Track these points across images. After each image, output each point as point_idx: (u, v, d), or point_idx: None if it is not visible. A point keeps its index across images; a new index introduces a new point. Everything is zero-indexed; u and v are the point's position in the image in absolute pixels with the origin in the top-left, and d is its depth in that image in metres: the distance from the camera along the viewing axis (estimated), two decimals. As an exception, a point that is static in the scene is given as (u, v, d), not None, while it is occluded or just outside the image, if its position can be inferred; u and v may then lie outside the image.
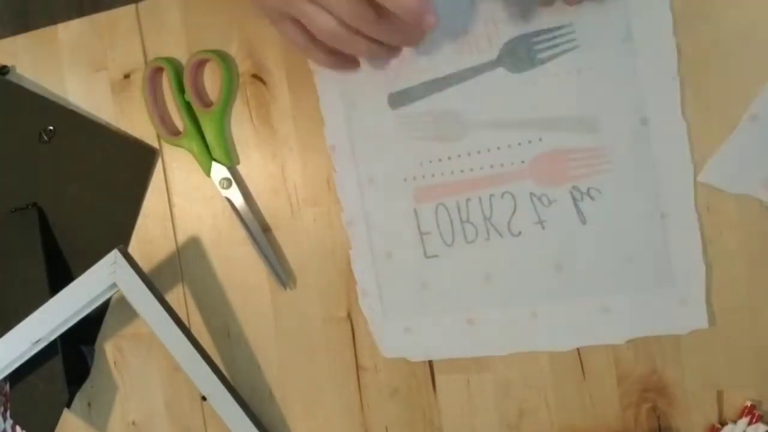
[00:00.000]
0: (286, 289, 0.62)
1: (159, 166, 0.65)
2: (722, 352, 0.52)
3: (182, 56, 0.63)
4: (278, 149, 0.61)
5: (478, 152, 0.55)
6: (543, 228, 0.54)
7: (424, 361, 0.59)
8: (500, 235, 0.56)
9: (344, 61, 0.56)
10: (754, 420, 0.51)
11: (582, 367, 0.55)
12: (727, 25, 0.50)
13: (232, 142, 0.63)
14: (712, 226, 0.51)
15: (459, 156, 0.56)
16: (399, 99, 0.57)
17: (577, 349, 0.55)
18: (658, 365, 0.53)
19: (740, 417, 0.51)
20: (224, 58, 0.61)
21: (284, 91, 0.61)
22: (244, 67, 0.62)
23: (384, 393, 0.60)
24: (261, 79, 0.61)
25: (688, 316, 0.52)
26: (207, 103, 0.63)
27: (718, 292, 0.51)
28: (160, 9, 0.64)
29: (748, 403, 0.51)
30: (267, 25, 0.61)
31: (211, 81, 0.63)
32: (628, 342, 0.54)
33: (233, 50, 0.62)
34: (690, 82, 0.50)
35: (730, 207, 0.51)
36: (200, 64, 0.63)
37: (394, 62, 0.56)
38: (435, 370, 0.59)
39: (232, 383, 0.62)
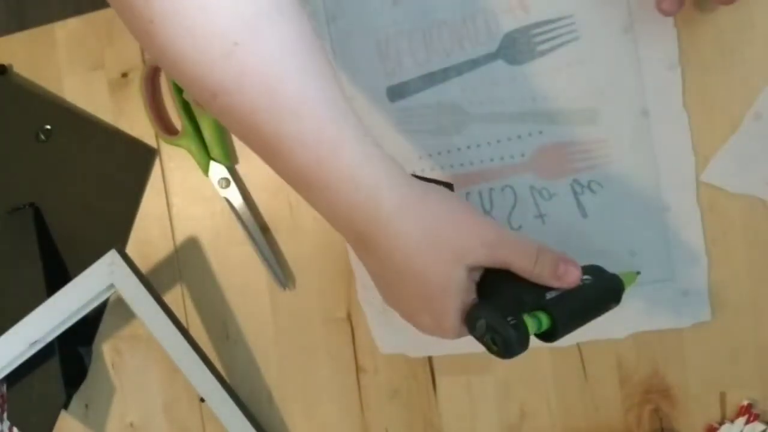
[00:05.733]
0: (285, 289, 0.62)
1: (157, 165, 0.65)
2: (725, 353, 0.51)
3: (181, 55, 0.63)
4: (277, 149, 0.61)
5: (478, 145, 0.55)
6: (543, 222, 0.54)
7: (424, 363, 0.58)
8: (500, 229, 0.55)
9: None
10: (751, 419, 0.50)
11: (584, 369, 0.55)
12: (729, 21, 0.49)
13: (231, 141, 0.63)
14: (714, 226, 0.51)
15: (458, 149, 0.56)
16: (398, 92, 0.57)
17: (579, 350, 0.55)
18: (661, 367, 0.53)
19: (738, 416, 0.51)
20: (223, 57, 0.61)
21: (283, 90, 0.60)
22: (242, 65, 0.61)
23: (384, 394, 0.60)
24: (260, 78, 0.61)
25: (690, 309, 0.51)
26: (206, 103, 0.62)
27: (721, 292, 0.51)
28: (159, 7, 0.63)
29: (745, 402, 0.51)
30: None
31: (210, 80, 0.63)
32: (630, 343, 0.53)
33: (232, 49, 0.62)
34: (693, 80, 0.50)
35: (732, 207, 0.50)
36: (199, 63, 0.62)
37: None
38: (435, 371, 0.58)
39: (230, 385, 0.62)
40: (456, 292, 0.42)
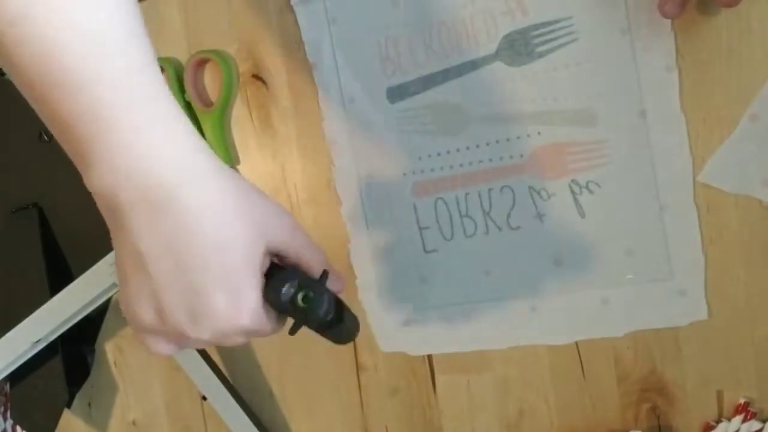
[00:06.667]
0: (286, 288, 0.62)
1: (159, 166, 0.65)
2: (722, 351, 0.52)
3: (182, 56, 0.63)
4: (278, 149, 0.61)
5: (477, 146, 0.55)
6: (542, 222, 0.55)
7: (424, 361, 0.59)
8: (499, 229, 0.56)
9: None
10: (747, 417, 0.51)
11: (582, 367, 0.55)
12: (727, 23, 0.49)
13: (233, 142, 0.63)
14: (712, 226, 0.51)
15: (458, 150, 0.56)
16: (397, 93, 0.57)
17: (577, 348, 0.55)
18: (658, 365, 0.53)
19: (734, 415, 0.51)
20: (224, 58, 0.61)
21: (284, 90, 0.61)
22: (244, 67, 0.62)
23: (384, 393, 0.60)
24: (261, 79, 0.62)
25: (688, 308, 0.51)
26: (207, 103, 0.63)
27: (718, 292, 0.51)
28: (160, 9, 0.64)
29: (742, 401, 0.51)
30: (267, 25, 0.61)
31: (211, 81, 0.63)
32: (628, 341, 0.53)
33: (233, 50, 0.62)
34: (690, 82, 0.50)
35: (729, 207, 0.51)
36: (200, 64, 0.63)
37: None
38: (435, 369, 0.59)
39: (232, 383, 0.62)
40: (258, 267, 0.39)
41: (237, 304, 0.38)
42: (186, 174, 0.37)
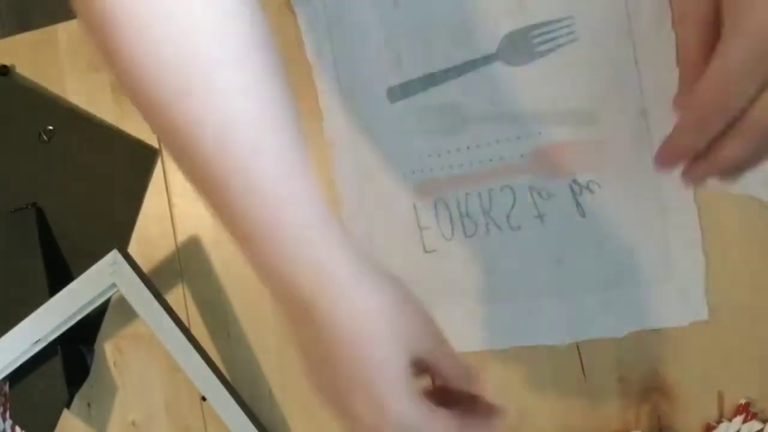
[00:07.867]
0: (285, 289, 0.62)
1: (159, 165, 0.65)
2: (723, 352, 0.52)
3: (182, 56, 0.63)
4: (278, 149, 0.61)
5: (477, 146, 0.55)
6: (542, 222, 0.54)
7: (424, 361, 0.59)
8: (499, 229, 0.56)
9: None
10: (748, 417, 0.51)
11: (582, 368, 0.55)
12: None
13: (232, 141, 0.63)
14: (712, 226, 0.51)
15: (458, 150, 0.56)
16: (398, 93, 0.57)
17: (578, 349, 0.55)
18: (659, 365, 0.53)
19: (735, 415, 0.51)
20: (224, 58, 0.61)
21: (284, 90, 0.61)
22: (243, 66, 0.62)
23: (384, 393, 0.60)
24: (261, 79, 0.61)
25: (688, 308, 0.52)
26: (207, 103, 0.62)
27: (719, 292, 0.51)
28: (160, 9, 0.64)
29: (743, 401, 0.51)
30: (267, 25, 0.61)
31: (211, 81, 0.63)
32: (628, 341, 0.53)
33: (233, 50, 0.62)
34: (690, 81, 0.50)
35: (730, 207, 0.51)
36: (200, 64, 0.62)
37: None
38: (435, 370, 0.59)
39: (231, 383, 0.62)
40: (402, 380, 0.37)
41: (380, 419, 0.37)
42: (325, 288, 0.37)
